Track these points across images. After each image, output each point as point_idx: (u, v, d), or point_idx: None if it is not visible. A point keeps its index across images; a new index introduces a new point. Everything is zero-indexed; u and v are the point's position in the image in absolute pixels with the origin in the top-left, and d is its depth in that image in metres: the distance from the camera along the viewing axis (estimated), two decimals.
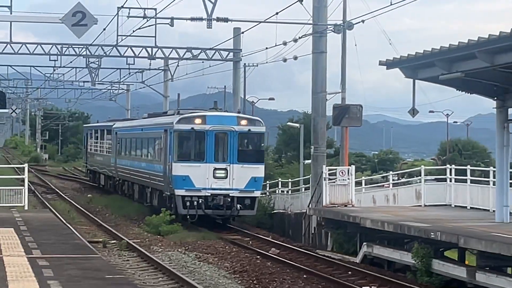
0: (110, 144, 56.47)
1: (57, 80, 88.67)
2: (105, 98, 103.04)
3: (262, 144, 37.66)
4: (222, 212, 36.29)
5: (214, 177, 35.88)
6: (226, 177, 35.88)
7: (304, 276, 25.45)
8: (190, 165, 36.28)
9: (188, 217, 36.24)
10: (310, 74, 39.04)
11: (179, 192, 36.33)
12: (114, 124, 56.89)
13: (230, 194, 35.93)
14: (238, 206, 35.94)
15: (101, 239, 32.92)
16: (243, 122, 36.87)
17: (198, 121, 36.48)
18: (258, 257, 28.81)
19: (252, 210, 36.93)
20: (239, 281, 25.02)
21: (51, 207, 45.05)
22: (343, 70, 40.92)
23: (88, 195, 57.62)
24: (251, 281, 25.02)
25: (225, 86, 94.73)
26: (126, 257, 29.25)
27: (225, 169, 36.08)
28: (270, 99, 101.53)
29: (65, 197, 56.20)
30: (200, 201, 35.73)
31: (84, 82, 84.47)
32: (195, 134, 36.43)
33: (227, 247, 31.39)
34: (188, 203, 35.71)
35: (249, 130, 36.72)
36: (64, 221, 34.95)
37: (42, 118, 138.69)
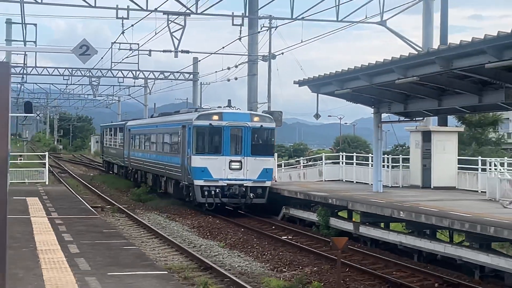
0: (123, 140, 48.56)
1: (69, 93, 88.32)
2: (103, 106, 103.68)
3: (273, 139, 30.98)
4: (237, 201, 29.57)
5: (230, 168, 29.59)
6: (240, 168, 29.64)
7: (242, 229, 25.54)
8: (208, 158, 29.55)
9: (206, 205, 29.55)
10: (246, 90, 39.15)
11: (198, 182, 29.48)
12: (126, 122, 49.36)
13: (245, 184, 29.51)
14: (251, 195, 29.43)
15: (100, 205, 32.67)
16: (256, 118, 30.41)
17: (215, 117, 29.87)
18: (210, 217, 28.79)
19: (263, 198, 29.96)
20: (197, 233, 24.99)
21: (64, 183, 44.58)
22: (269, 87, 41.08)
23: (91, 174, 57.08)
24: (205, 233, 25.01)
25: (187, 98, 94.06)
26: (117, 217, 29.08)
27: (240, 161, 29.75)
28: (218, 107, 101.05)
29: (75, 175, 55.65)
30: (217, 191, 29.32)
31: (87, 95, 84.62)
32: (213, 129, 29.77)
33: (188, 210, 31.30)
34: (206, 192, 29.25)
35: (261, 126, 30.22)
36: (74, 193, 34.59)
37: (58, 120, 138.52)
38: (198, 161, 29.61)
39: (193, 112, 32.73)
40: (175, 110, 41.37)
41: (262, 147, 30.29)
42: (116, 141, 52.46)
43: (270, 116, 31.38)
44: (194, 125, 29.84)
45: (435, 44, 29.13)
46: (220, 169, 29.47)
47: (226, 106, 32.24)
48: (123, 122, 51.10)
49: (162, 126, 36.57)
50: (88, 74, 61.16)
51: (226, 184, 29.40)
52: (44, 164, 37.99)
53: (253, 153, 29.90)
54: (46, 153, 39.33)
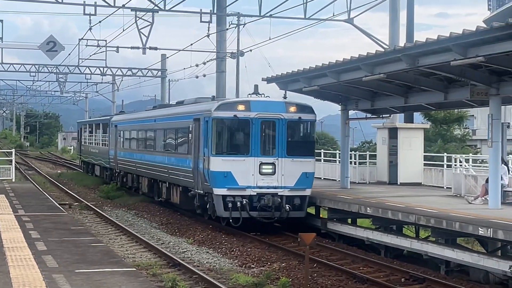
0: (107, 137, 41.58)
1: (35, 90, 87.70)
2: (70, 103, 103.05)
3: (313, 134, 24.63)
4: (269, 214, 22.80)
5: (260, 173, 23.01)
6: (274, 173, 23.04)
7: (211, 226, 25.44)
8: (232, 160, 22.97)
9: (230, 220, 22.62)
10: (215, 87, 39.11)
11: (220, 191, 22.75)
12: (111, 117, 41.92)
13: (279, 193, 22.92)
14: (287, 206, 22.85)
15: (67, 202, 32.42)
16: (292, 108, 23.65)
17: (241, 107, 23.24)
18: (178, 214, 28.72)
19: (302, 211, 23.36)
20: (165, 230, 24.91)
21: (31, 180, 44.17)
22: (237, 84, 41.20)
23: (58, 171, 56.59)
24: (173, 230, 24.95)
25: (155, 95, 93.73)
26: (85, 215, 28.89)
27: (273, 163, 23.10)
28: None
29: (41, 172, 55.12)
30: (244, 202, 22.60)
31: (54, 91, 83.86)
32: (238, 122, 23.22)
33: (157, 207, 31.19)
34: (230, 204, 22.57)
35: (300, 118, 23.53)
36: (41, 190, 34.28)
37: (24, 117, 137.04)
38: (219, 163, 22.91)
39: (211, 101, 26.17)
40: (144, 106, 40.47)
41: (301, 146, 23.81)
42: (98, 139, 45.81)
43: (310, 105, 24.32)
44: (214, 118, 23.11)
45: (402, 41, 29.37)
46: (247, 174, 22.96)
47: (252, 94, 24.96)
48: (107, 117, 44.17)
49: (164, 120, 29.79)
50: (55, 71, 60.82)
51: (255, 193, 22.91)
52: (11, 161, 37.56)
53: (290, 153, 23.31)
54: (13, 150, 38.85)
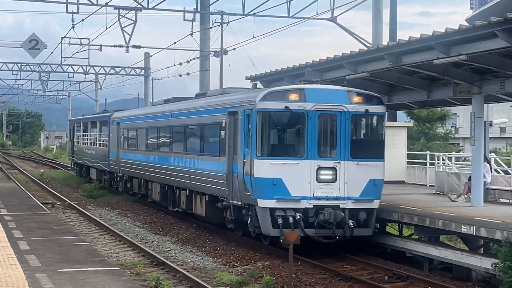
0: (107, 137, 36.66)
1: (18, 88, 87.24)
2: (53, 101, 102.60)
3: (382, 132, 19.34)
4: (329, 232, 18.01)
5: (318, 180, 18.12)
6: (334, 180, 18.25)
7: (194, 225, 25.40)
8: (283, 163, 18.05)
9: (281, 240, 16.97)
10: (198, 85, 39.08)
11: (267, 203, 17.88)
12: (112, 114, 36.80)
13: (341, 206, 18.19)
14: (351, 222, 18.11)
15: (50, 201, 32.28)
16: (357, 98, 18.79)
17: (294, 96, 18.26)
18: (162, 212, 28.66)
19: (369, 228, 18.64)
20: (149, 229, 24.87)
21: (14, 179, 43.96)
22: (221, 82, 41.21)
23: (41, 170, 56.34)
24: (157, 228, 24.90)
25: (138, 93, 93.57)
26: (68, 214, 28.78)
27: (334, 168, 18.24)
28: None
29: (24, 172, 54.84)
30: (298, 217, 17.76)
31: (37, 90, 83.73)
32: (291, 116, 18.33)
33: (140, 206, 31.11)
34: (280, 220, 17.68)
35: (366, 110, 18.71)
36: (24, 189, 34.13)
37: (7, 115, 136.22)
38: (266, 168, 17.90)
39: (252, 89, 21.72)
40: (127, 105, 40.09)
41: (368, 146, 19.17)
42: (95, 138, 41.08)
43: (378, 95, 19.77)
44: (260, 110, 18.00)
45: (385, 40, 29.48)
46: (302, 181, 18.09)
47: (304, 81, 20.07)
48: (106, 114, 39.08)
49: (184, 116, 24.46)
50: (37, 69, 60.57)
51: (312, 206, 18.09)
52: None
53: (354, 155, 18.49)
54: None
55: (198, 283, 15.10)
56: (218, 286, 15.20)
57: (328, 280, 16.08)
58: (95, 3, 29.63)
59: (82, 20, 37.06)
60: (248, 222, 18.98)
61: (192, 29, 35.14)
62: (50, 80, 68.67)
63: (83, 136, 45.36)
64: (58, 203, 32.14)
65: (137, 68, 58.63)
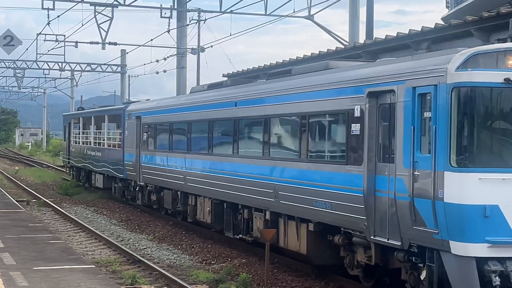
0: (121, 135, 29.65)
1: None
2: (28, 98, 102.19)
3: None
4: None
5: None
6: None
7: (171, 223, 25.34)
8: (502, 179, 10.27)
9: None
10: (175, 83, 39.05)
11: (471, 248, 10.20)
12: (127, 107, 29.30)
13: None
14: None
15: (25, 199, 32.03)
16: None
17: None
18: (139, 210, 28.57)
19: None
20: (125, 227, 24.78)
21: None
22: (198, 80, 41.16)
23: (16, 168, 55.91)
24: (133, 226, 24.82)
25: (115, 90, 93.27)
26: (43, 211, 28.59)
27: None
28: (147, 100, 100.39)
29: None
30: None
31: (12, 87, 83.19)
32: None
33: (116, 203, 30.97)
34: (496, 278, 10.04)
35: None
36: None
37: None
38: (470, 187, 10.51)
39: (422, 53, 13.60)
40: (104, 102, 39.28)
41: None
42: (103, 137, 33.59)
43: None
44: (459, 85, 10.59)
45: (361, 38, 29.59)
46: None
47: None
48: (119, 106, 32.21)
49: (263, 103, 16.80)
50: (12, 66, 60.17)
51: None
52: None
53: None
54: None
55: (174, 281, 15.08)
56: (194, 283, 15.19)
57: (305, 278, 16.13)
58: None
59: (58, 16, 36.83)
60: (422, 276, 11.38)
61: (169, 26, 35.10)
62: (25, 76, 68.47)
63: (83, 134, 37.91)
64: (33, 200, 31.91)
65: (114, 65, 58.43)
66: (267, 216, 16.50)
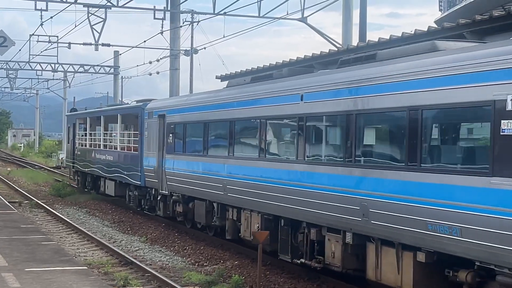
0: (139, 137, 26.20)
1: None
2: (20, 99, 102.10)
3: None
4: None
5: None
6: None
7: (163, 224, 25.31)
8: None
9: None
10: (168, 84, 39.04)
11: None
12: (146, 104, 25.99)
13: None
14: None
15: (17, 200, 31.97)
16: None
17: None
18: (131, 212, 28.52)
19: None
20: (118, 228, 24.73)
21: None
22: (191, 81, 41.14)
23: (8, 169, 55.76)
24: (126, 228, 24.77)
25: (107, 92, 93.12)
26: (36, 213, 28.52)
27: None
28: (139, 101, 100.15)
29: None
30: None
31: (4, 87, 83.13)
32: None
33: (109, 205, 30.91)
34: None
35: None
36: None
37: None
38: None
39: None
40: (96, 105, 38.86)
41: None
42: (116, 139, 30.44)
43: None
44: None
45: (355, 41, 29.64)
46: None
47: None
48: (137, 105, 28.09)
49: (353, 94, 12.95)
50: (5, 67, 60.13)
51: None
52: None
53: None
54: None
55: (166, 283, 15.05)
56: (187, 285, 15.16)
57: (297, 280, 16.12)
58: (64, 0, 29.39)
59: (51, 17, 36.84)
60: None
61: (162, 27, 35.06)
62: (18, 77, 68.34)
63: (91, 135, 34.36)
64: (25, 201, 31.83)
65: (107, 66, 58.32)
66: (348, 239, 13.09)
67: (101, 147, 31.54)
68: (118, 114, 29.92)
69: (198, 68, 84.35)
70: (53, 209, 29.07)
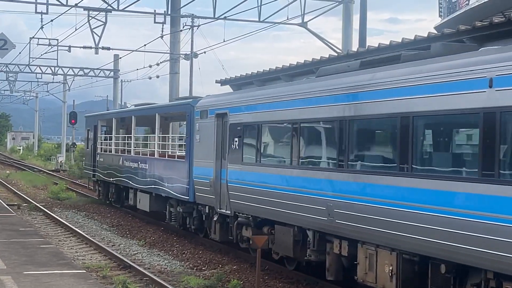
0: (184, 141, 22.54)
1: None
2: (20, 102, 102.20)
3: None
4: None
5: None
6: None
7: (162, 228, 25.30)
8: None
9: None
10: (168, 88, 39.05)
11: None
12: (197, 100, 21.13)
13: None
14: None
15: (16, 203, 31.94)
16: None
17: None
18: (130, 215, 28.49)
19: None
20: (116, 232, 24.71)
21: None
22: (191, 85, 41.18)
23: (7, 172, 55.74)
24: (124, 231, 24.75)
25: (107, 95, 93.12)
26: (34, 216, 28.49)
27: None
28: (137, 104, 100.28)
29: None
30: None
31: (4, 90, 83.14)
32: None
33: (107, 208, 30.88)
34: None
35: None
36: None
37: None
38: None
39: None
40: (95, 108, 39.04)
41: None
42: (153, 145, 25.59)
43: None
44: None
45: (354, 46, 29.68)
46: None
47: None
48: (185, 101, 22.74)
49: None
50: (5, 70, 60.16)
51: None
52: None
53: None
54: None
55: (165, 287, 15.03)
56: None
57: (296, 285, 16.11)
58: (65, 3, 29.42)
59: (51, 20, 36.84)
60: None
61: (162, 31, 35.12)
62: (18, 80, 68.41)
63: (117, 140, 29.71)
64: (24, 204, 31.80)
65: (106, 69, 58.45)
66: None
67: (132, 153, 26.83)
68: (156, 114, 24.83)
69: (198, 72, 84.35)
70: (52, 212, 29.04)
